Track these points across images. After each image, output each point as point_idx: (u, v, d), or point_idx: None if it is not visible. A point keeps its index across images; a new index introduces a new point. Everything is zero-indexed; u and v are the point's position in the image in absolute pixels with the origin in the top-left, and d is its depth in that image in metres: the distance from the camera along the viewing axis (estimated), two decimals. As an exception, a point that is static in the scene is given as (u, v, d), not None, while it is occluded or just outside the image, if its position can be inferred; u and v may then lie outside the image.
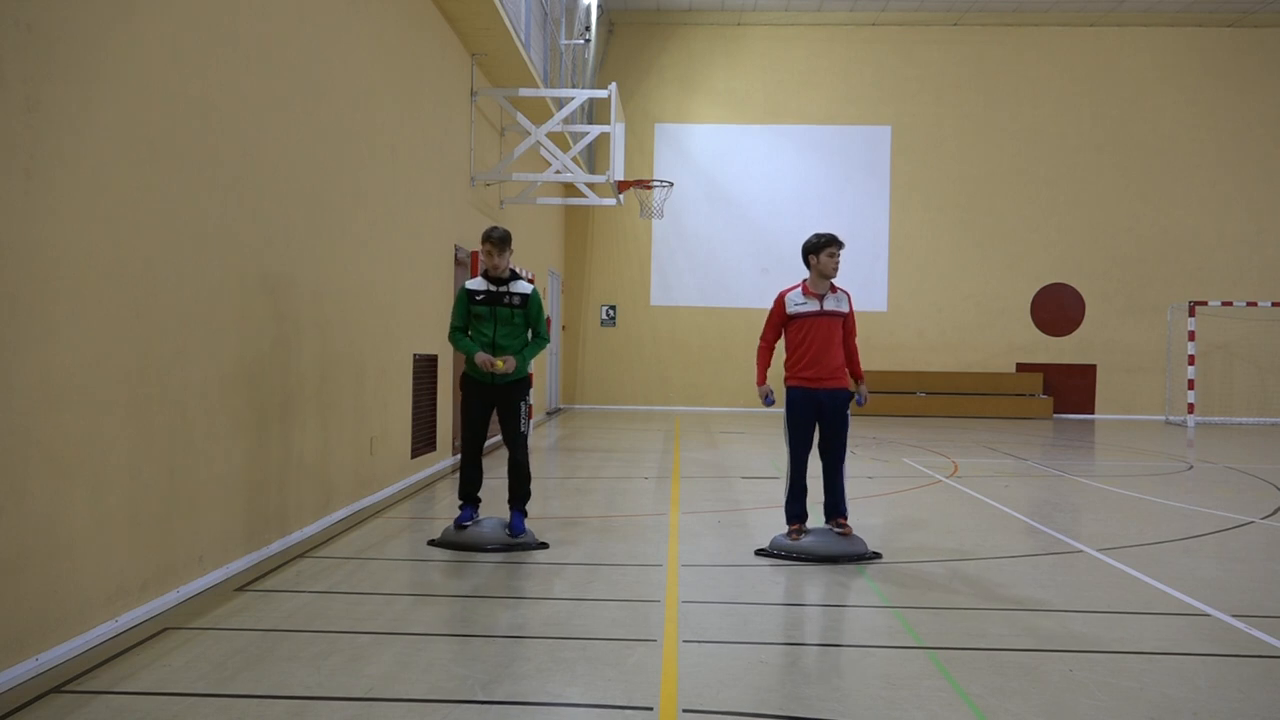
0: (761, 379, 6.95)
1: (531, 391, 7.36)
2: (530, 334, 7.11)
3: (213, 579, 5.73)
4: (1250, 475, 11.92)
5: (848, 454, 7.00)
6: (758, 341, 7.12)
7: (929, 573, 6.47)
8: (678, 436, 15.84)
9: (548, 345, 7.35)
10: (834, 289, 6.88)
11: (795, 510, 6.92)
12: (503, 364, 6.82)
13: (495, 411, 7.15)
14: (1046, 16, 21.66)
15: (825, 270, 6.77)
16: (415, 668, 4.42)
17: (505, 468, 7.20)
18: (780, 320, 6.90)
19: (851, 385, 6.97)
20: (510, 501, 7.15)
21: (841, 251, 6.85)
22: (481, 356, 6.82)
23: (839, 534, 6.79)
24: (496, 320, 6.95)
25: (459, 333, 7.00)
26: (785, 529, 6.97)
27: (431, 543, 7.04)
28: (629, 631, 5.01)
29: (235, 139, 5.95)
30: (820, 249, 6.79)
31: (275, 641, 4.78)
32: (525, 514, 7.14)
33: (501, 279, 7.01)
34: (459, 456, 7.32)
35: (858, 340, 7.05)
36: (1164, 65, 21.93)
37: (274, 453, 6.60)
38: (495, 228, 7.01)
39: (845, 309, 6.88)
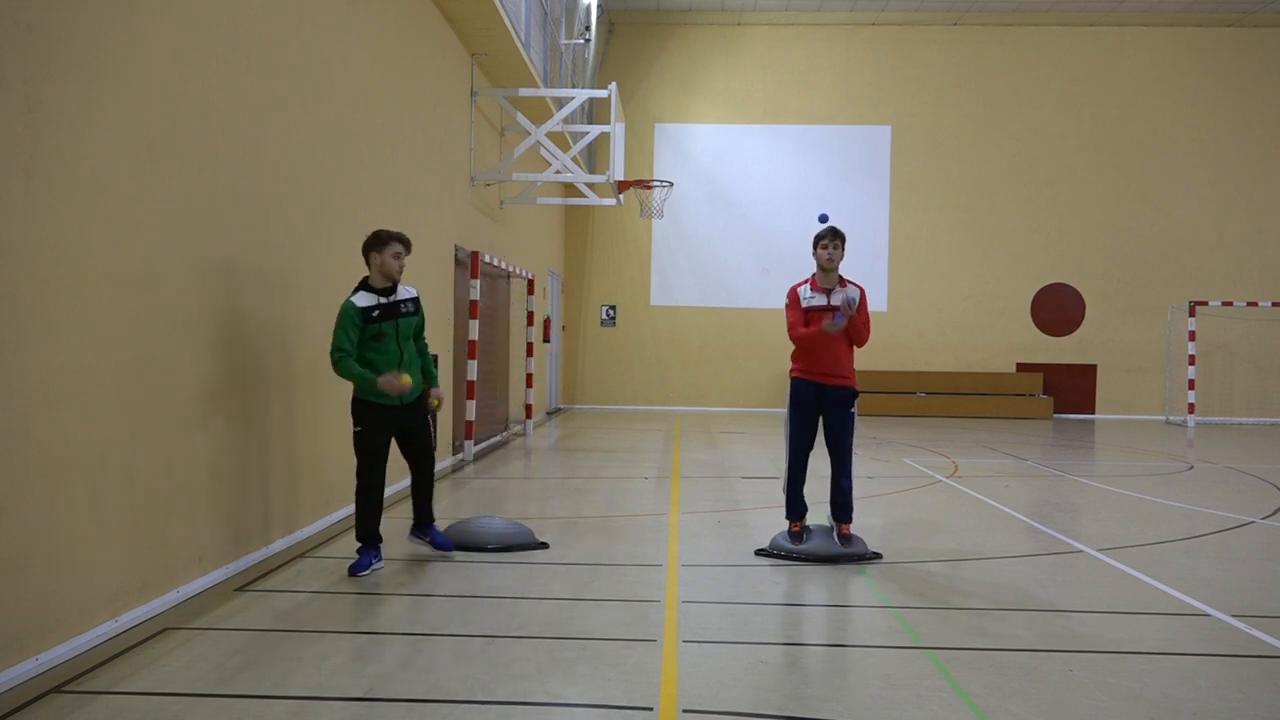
0: (817, 327, 6.65)
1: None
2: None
3: (213, 579, 5.73)
4: (1250, 475, 11.92)
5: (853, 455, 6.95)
6: (785, 336, 6.98)
7: (929, 573, 6.47)
8: (678, 436, 15.84)
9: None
10: (843, 283, 6.83)
11: (793, 505, 6.91)
12: (408, 378, 6.06)
13: (399, 434, 6.42)
14: (1046, 16, 21.66)
15: (820, 262, 6.77)
16: (415, 668, 4.42)
17: (417, 482, 6.61)
18: (798, 309, 6.81)
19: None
20: (425, 520, 6.62)
21: (838, 243, 6.76)
22: (385, 379, 5.98)
23: (839, 536, 6.79)
24: (399, 336, 6.15)
25: (347, 357, 5.96)
26: (785, 528, 6.96)
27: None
28: (629, 631, 5.01)
29: (235, 139, 5.95)
30: (815, 244, 6.79)
31: (275, 641, 4.78)
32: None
33: (391, 287, 6.18)
34: (359, 497, 6.32)
35: (869, 333, 6.87)
36: (1164, 65, 21.92)
37: (274, 453, 6.60)
38: (389, 229, 6.32)
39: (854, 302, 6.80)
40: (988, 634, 5.09)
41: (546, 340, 18.57)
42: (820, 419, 6.88)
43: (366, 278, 6.22)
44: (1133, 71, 21.95)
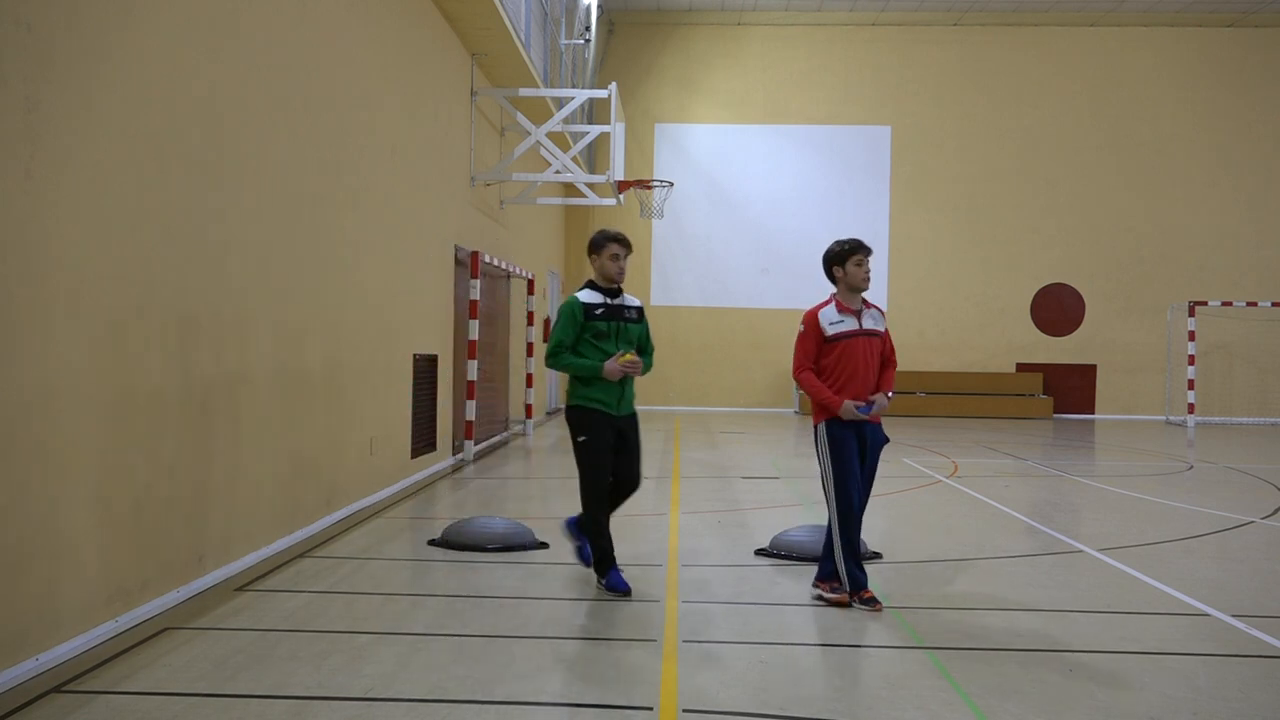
0: (835, 400, 5.54)
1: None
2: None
3: (213, 579, 5.73)
4: (1250, 475, 11.92)
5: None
6: (793, 368, 5.78)
7: (929, 573, 6.47)
8: (678, 436, 15.84)
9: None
10: (867, 305, 5.75)
11: (855, 575, 5.59)
12: (631, 355, 5.75)
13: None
14: (1046, 16, 21.66)
15: (854, 282, 5.64)
16: (415, 668, 4.42)
17: (616, 502, 6.05)
18: (818, 342, 5.62)
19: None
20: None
21: (870, 259, 5.73)
22: (612, 365, 5.70)
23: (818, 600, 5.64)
24: (618, 339, 5.86)
25: (566, 352, 5.82)
26: (786, 529, 6.92)
27: (431, 542, 7.03)
28: (629, 631, 5.01)
29: (235, 139, 5.95)
30: (846, 258, 5.65)
31: (275, 641, 4.78)
32: None
33: (616, 290, 6.01)
34: (587, 513, 5.90)
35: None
36: (1164, 65, 21.93)
37: (273, 452, 6.60)
38: (609, 229, 6.09)
39: (882, 329, 5.76)
40: (988, 634, 5.09)
41: (546, 340, 18.56)
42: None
43: (591, 279, 6.06)
44: (1133, 71, 21.96)
